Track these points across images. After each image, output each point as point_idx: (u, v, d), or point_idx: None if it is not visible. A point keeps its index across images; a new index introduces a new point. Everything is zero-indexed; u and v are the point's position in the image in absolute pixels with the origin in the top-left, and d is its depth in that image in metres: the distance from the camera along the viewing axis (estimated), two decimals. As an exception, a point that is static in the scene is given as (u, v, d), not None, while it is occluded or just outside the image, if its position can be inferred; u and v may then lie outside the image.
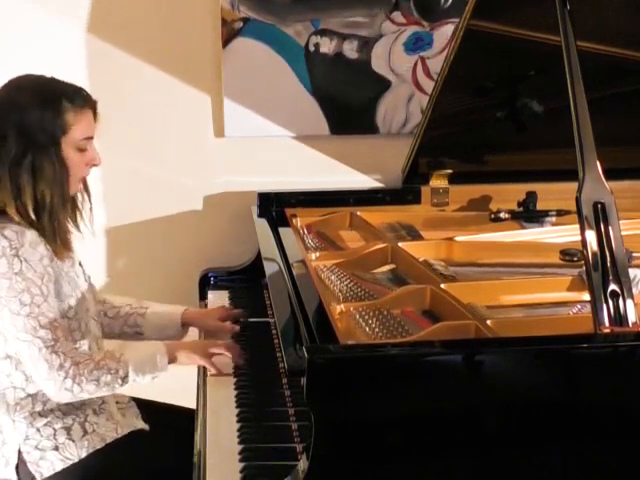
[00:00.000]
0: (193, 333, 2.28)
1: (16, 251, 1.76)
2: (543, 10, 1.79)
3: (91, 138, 1.89)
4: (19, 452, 1.86)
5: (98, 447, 1.88)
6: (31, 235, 1.79)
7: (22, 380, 1.85)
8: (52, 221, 1.83)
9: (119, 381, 1.82)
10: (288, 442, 1.65)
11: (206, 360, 1.94)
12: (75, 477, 1.85)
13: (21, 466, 1.85)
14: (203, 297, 2.52)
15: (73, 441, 1.86)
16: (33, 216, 1.81)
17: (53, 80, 1.89)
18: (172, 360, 1.91)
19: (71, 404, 1.87)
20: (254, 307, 2.33)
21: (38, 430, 1.86)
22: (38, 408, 1.86)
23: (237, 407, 1.80)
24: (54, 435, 1.86)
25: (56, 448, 1.85)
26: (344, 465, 1.37)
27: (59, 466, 1.84)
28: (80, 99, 1.87)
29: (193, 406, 1.95)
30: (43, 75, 1.90)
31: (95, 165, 1.92)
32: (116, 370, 1.82)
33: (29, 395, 1.86)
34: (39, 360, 1.76)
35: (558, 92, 1.67)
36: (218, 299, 2.46)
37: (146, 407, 2.09)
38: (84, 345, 1.91)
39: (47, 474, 1.84)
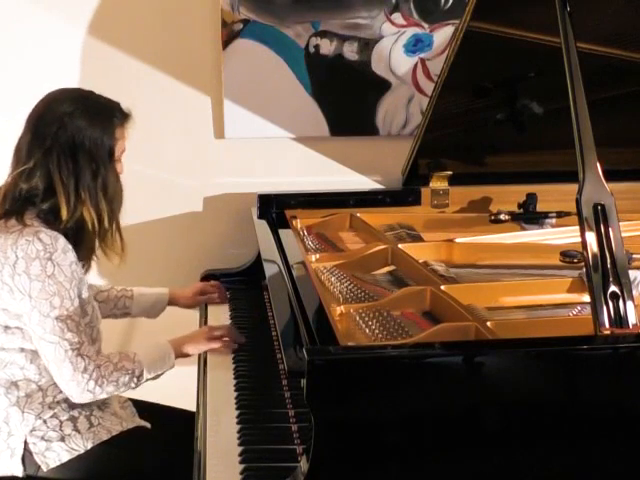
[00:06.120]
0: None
1: (50, 255, 1.79)
2: (543, 11, 1.79)
3: (124, 151, 1.98)
4: (25, 443, 1.86)
5: (104, 439, 1.89)
6: (63, 241, 1.82)
7: (35, 373, 1.88)
8: (111, 231, 1.92)
9: (135, 380, 1.88)
10: (288, 444, 1.65)
11: (212, 343, 2.04)
12: (80, 468, 1.86)
13: (27, 457, 1.86)
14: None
15: (79, 432, 1.88)
16: (97, 226, 1.88)
17: (98, 96, 1.94)
18: (181, 355, 2.00)
19: None
20: (254, 308, 2.33)
21: (45, 422, 1.87)
22: (48, 401, 1.88)
23: (237, 409, 1.80)
24: (60, 426, 1.87)
25: (62, 439, 1.86)
26: (344, 466, 1.37)
27: (65, 457, 1.85)
28: (122, 115, 1.94)
29: (193, 408, 1.96)
30: (82, 89, 1.94)
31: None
32: (132, 370, 1.87)
33: (40, 389, 1.88)
34: (64, 362, 1.79)
35: (558, 93, 1.67)
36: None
37: (146, 409, 2.10)
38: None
39: (53, 465, 1.85)
